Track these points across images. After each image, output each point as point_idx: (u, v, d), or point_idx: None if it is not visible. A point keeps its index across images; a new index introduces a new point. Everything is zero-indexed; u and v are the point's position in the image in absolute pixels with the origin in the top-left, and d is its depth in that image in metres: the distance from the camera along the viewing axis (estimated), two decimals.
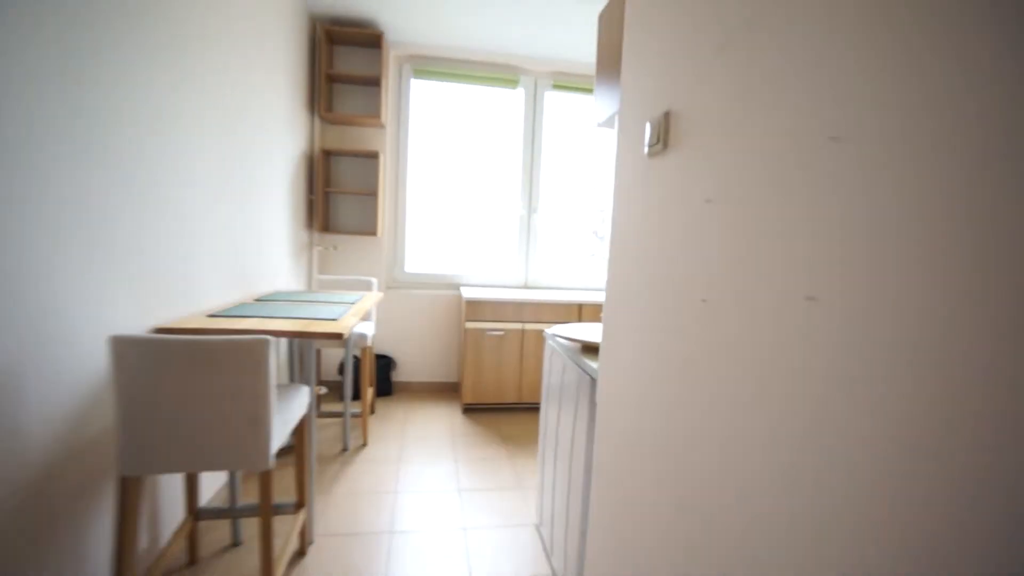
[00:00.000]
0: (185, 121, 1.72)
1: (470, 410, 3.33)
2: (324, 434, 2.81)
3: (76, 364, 1.25)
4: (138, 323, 1.48)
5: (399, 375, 3.68)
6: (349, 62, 3.32)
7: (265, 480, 1.33)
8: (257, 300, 2.17)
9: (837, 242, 0.49)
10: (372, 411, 3.22)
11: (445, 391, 3.72)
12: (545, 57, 3.52)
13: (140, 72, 1.46)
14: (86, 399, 1.30)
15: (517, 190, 3.74)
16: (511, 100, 3.68)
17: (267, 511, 1.35)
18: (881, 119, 0.45)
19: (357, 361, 3.42)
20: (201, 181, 1.85)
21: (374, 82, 3.26)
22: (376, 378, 3.47)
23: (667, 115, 0.84)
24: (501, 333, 3.20)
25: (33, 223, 1.10)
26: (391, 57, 3.43)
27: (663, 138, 0.84)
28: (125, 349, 1.17)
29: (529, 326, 3.23)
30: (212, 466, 1.25)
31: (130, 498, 1.25)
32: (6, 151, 1.03)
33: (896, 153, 0.44)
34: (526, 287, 3.81)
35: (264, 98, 2.45)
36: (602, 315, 1.50)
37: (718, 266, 0.69)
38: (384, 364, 3.52)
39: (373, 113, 3.32)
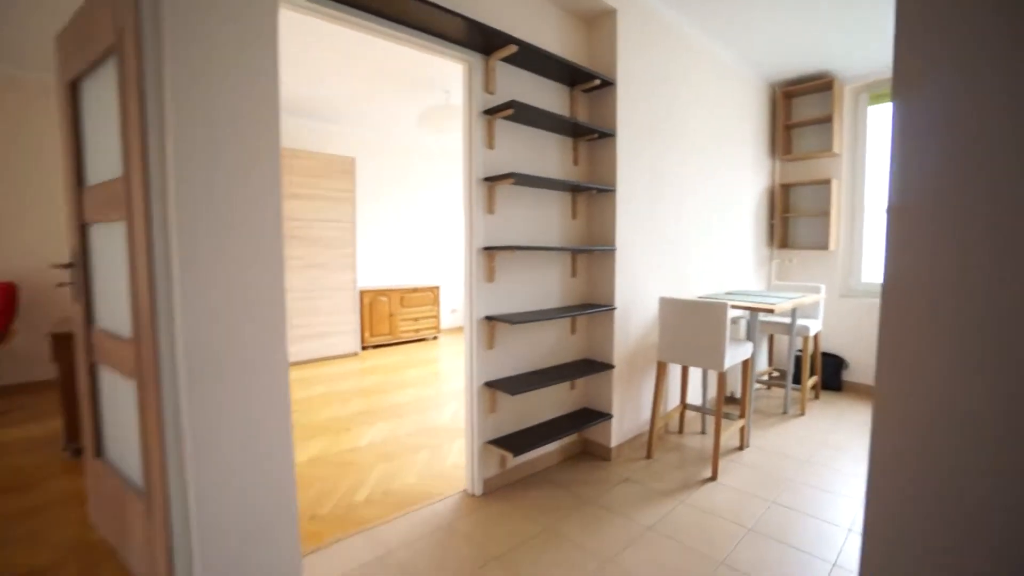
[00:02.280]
0: (686, 170, 3.15)
1: None
2: (770, 402, 3.70)
3: (645, 309, 2.84)
4: (667, 293, 2.98)
5: (850, 375, 4.03)
6: (803, 110, 4.08)
7: (720, 380, 2.50)
8: (727, 293, 3.40)
9: None
10: (816, 396, 3.82)
11: None
12: None
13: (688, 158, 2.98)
14: (649, 325, 2.87)
15: None
16: None
17: (719, 404, 2.51)
18: None
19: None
20: (692, 213, 3.24)
21: (826, 120, 3.88)
22: (825, 373, 4.00)
23: None
24: None
25: (654, 246, 2.73)
26: (845, 92, 3.93)
27: None
28: (664, 304, 2.62)
29: None
30: (696, 364, 2.53)
31: (661, 373, 2.70)
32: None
33: None
34: None
35: (736, 149, 3.67)
36: None
37: None
38: (834, 362, 3.99)
39: (826, 148, 3.94)
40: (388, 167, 6.03)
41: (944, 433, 0.73)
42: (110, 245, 1.63)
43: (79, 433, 2.58)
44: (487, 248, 2.21)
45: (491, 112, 2.18)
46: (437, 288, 6.28)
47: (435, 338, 6.35)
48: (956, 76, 0.72)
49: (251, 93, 1.39)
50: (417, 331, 6.07)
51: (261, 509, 1.49)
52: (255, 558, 1.48)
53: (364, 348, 5.58)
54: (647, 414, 2.91)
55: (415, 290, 6.02)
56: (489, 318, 2.25)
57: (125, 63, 1.36)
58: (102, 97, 1.58)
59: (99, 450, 1.88)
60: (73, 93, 1.73)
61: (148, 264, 1.34)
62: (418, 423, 3.26)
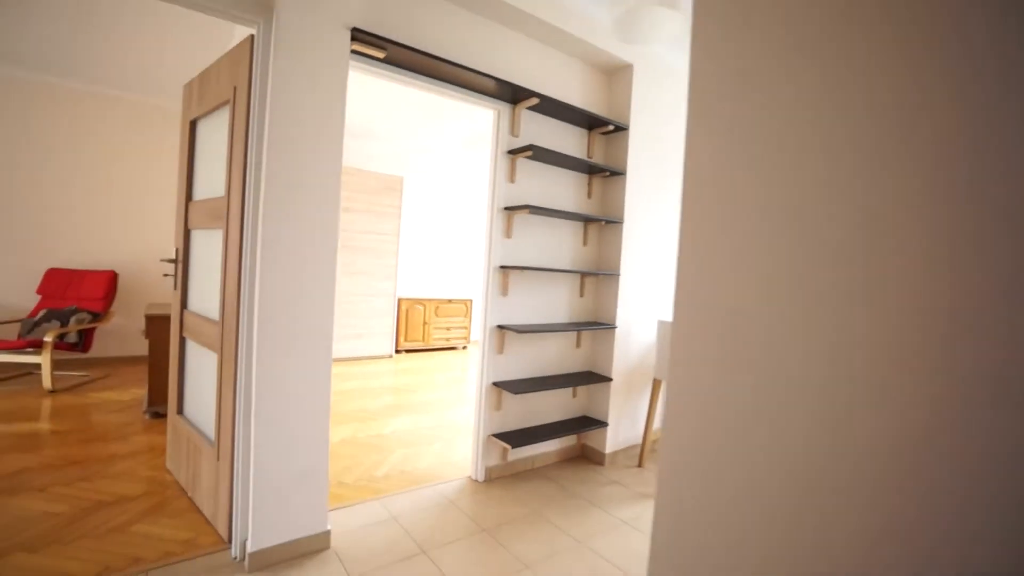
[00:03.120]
0: None
1: None
2: None
3: (645, 330, 3.12)
4: (666, 316, 3.23)
5: None
6: None
7: None
8: None
9: None
10: None
11: None
12: None
13: None
14: (648, 345, 3.14)
15: None
16: None
17: None
18: None
19: None
20: None
21: None
22: None
23: None
24: None
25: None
26: None
27: None
28: (662, 326, 2.90)
29: None
30: None
31: (656, 390, 2.95)
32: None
33: None
34: None
35: None
36: None
37: None
38: None
39: None
40: (433, 187, 6.57)
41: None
42: (207, 247, 2.12)
43: (159, 399, 3.11)
44: (503, 267, 2.59)
45: (514, 152, 2.58)
46: (470, 301, 6.71)
47: (465, 347, 6.76)
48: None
49: (323, 134, 1.84)
50: (448, 340, 6.50)
51: (301, 465, 1.89)
52: (294, 504, 1.88)
53: (398, 351, 6.05)
54: (642, 426, 3.16)
55: (449, 301, 6.48)
56: (501, 327, 2.61)
57: (235, 113, 1.85)
58: (213, 136, 2.09)
59: (180, 408, 2.37)
60: (192, 130, 2.26)
61: (238, 263, 1.80)
62: (438, 419, 3.64)
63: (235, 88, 1.88)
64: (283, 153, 1.76)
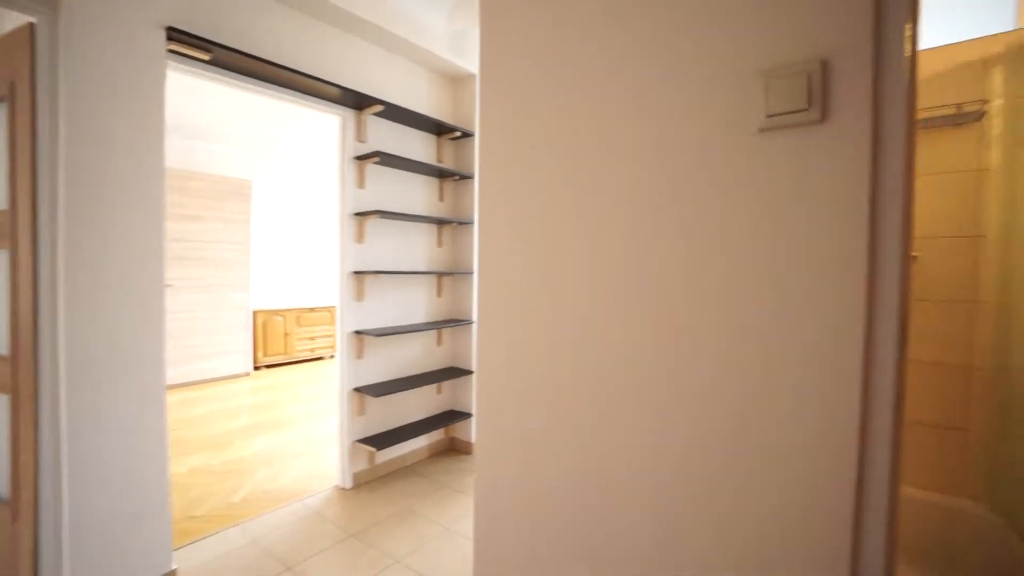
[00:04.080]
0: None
1: None
2: None
3: None
4: None
5: None
6: None
7: None
8: None
9: None
10: None
11: None
12: None
13: None
14: None
15: None
16: None
17: None
18: None
19: None
20: None
21: None
22: None
23: None
24: None
25: None
26: None
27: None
28: None
29: None
30: None
31: None
32: None
33: None
34: None
35: None
36: None
37: None
38: None
39: None
40: (286, 192, 6.15)
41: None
42: None
43: None
44: (357, 272, 2.60)
45: (361, 158, 2.59)
46: (334, 308, 6.44)
47: (332, 356, 6.48)
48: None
49: (139, 137, 1.69)
50: (314, 350, 6.18)
51: (134, 507, 1.72)
52: (127, 550, 1.71)
53: (257, 368, 5.60)
54: None
55: (312, 310, 6.15)
56: (358, 332, 2.62)
57: (16, 113, 1.61)
58: None
59: None
60: None
61: (33, 287, 1.58)
62: (303, 432, 3.50)
63: (12, 84, 1.63)
64: (87, 157, 1.59)
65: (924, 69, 1.68)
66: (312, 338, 6.15)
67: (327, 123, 4.52)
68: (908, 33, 0.62)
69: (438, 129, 2.97)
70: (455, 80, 3.16)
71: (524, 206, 0.97)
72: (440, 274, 3.03)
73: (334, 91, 2.36)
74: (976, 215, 1.62)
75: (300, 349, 6.01)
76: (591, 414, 0.87)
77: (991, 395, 1.59)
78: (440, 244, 3.13)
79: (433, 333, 3.09)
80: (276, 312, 5.77)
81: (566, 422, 0.90)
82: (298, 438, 3.39)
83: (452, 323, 3.00)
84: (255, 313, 5.55)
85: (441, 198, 3.13)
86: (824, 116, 0.65)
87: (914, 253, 1.69)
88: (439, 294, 3.12)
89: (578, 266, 0.88)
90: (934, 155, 1.67)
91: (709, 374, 0.74)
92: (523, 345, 0.96)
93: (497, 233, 1.01)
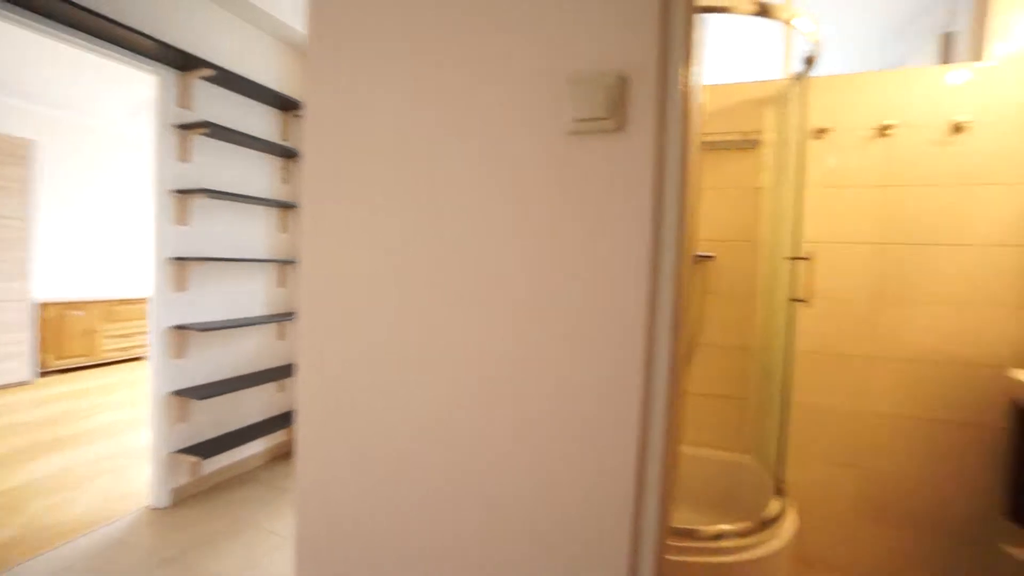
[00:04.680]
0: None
1: None
2: None
3: None
4: None
5: None
6: None
7: None
8: None
9: None
10: None
11: None
12: None
13: None
14: None
15: None
16: None
17: None
18: None
19: None
20: None
21: None
22: None
23: None
24: None
25: None
26: None
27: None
28: None
29: None
30: None
31: None
32: None
33: None
34: None
35: None
36: None
37: None
38: None
39: None
40: (86, 156, 5.08)
41: None
42: None
43: None
44: (178, 258, 2.25)
45: (187, 127, 2.25)
46: None
47: None
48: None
49: None
50: (128, 349, 5.22)
51: None
52: None
53: (46, 374, 4.55)
54: None
55: (124, 303, 5.19)
56: (180, 327, 2.28)
57: None
58: None
59: None
60: None
61: None
62: (106, 449, 2.94)
63: None
64: None
65: (721, 100, 2.01)
66: (126, 335, 5.19)
67: (145, 83, 3.84)
68: (684, 66, 0.73)
69: (282, 104, 2.71)
70: (304, 52, 2.91)
71: (344, 195, 0.94)
72: (283, 262, 2.78)
73: (149, 45, 2.01)
74: (754, 224, 1.99)
75: (110, 349, 5.03)
76: (406, 409, 0.87)
77: (759, 369, 1.99)
78: (284, 230, 2.87)
79: (274, 326, 2.83)
80: (74, 305, 4.74)
81: (377, 418, 0.89)
82: (98, 456, 2.83)
83: (295, 315, 2.78)
84: (42, 306, 4.50)
85: (285, 180, 2.87)
86: (620, 126, 0.74)
87: (711, 254, 2.03)
88: (282, 284, 2.86)
89: (390, 257, 0.88)
90: (726, 173, 2.01)
91: (516, 356, 0.80)
92: (340, 338, 0.92)
93: (317, 220, 0.96)
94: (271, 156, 2.76)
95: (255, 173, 2.67)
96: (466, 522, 0.84)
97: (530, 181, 0.79)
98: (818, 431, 1.94)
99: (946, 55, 2.09)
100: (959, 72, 1.77)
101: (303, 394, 0.96)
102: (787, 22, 1.61)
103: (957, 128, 1.76)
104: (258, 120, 2.66)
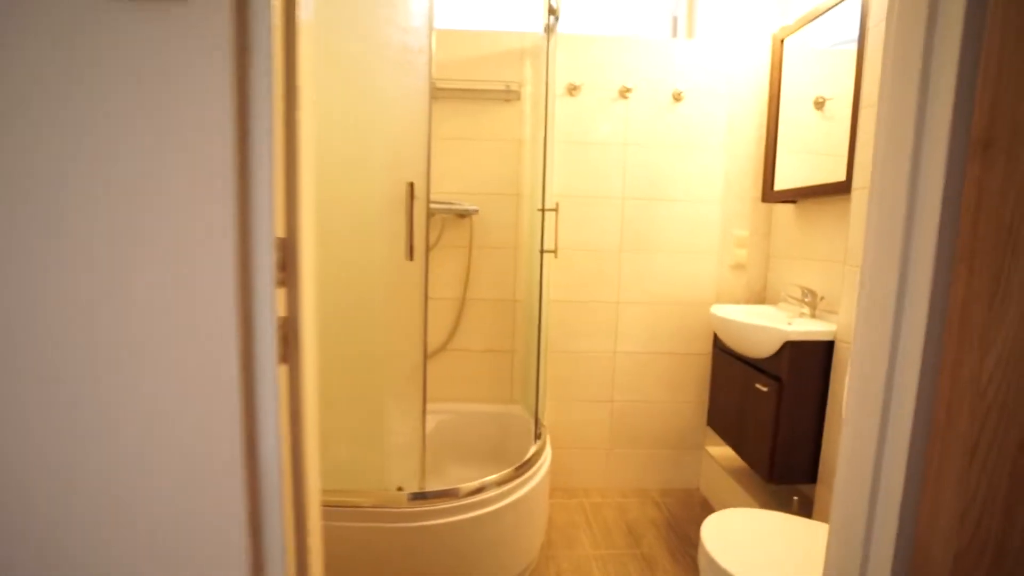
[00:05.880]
0: None
1: None
2: None
3: None
4: None
5: None
6: None
7: None
8: None
9: None
10: None
11: None
12: None
13: None
14: None
15: None
16: None
17: None
18: None
19: None
20: None
21: None
22: None
23: None
24: None
25: None
26: None
27: None
28: None
29: None
30: None
31: None
32: None
33: None
34: None
35: None
36: None
37: None
38: None
39: None
40: None
41: None
42: None
43: None
44: None
45: None
46: None
47: None
48: None
49: None
50: None
51: None
52: None
53: None
54: None
55: None
56: None
57: None
58: None
59: None
60: None
61: None
62: None
63: None
64: None
65: (484, 47, 1.94)
66: None
67: None
68: None
69: None
70: None
71: None
72: None
73: None
74: (517, 177, 2.01)
75: None
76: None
77: (524, 321, 2.06)
78: None
79: None
80: None
81: None
82: None
83: None
84: None
85: None
86: None
87: (475, 207, 1.99)
88: None
89: None
90: (492, 124, 1.98)
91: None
92: None
93: None
94: None
95: None
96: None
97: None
98: (575, 373, 2.10)
99: (675, 31, 2.34)
100: (677, 45, 1.97)
101: None
102: None
103: (676, 96, 1.97)
104: None
